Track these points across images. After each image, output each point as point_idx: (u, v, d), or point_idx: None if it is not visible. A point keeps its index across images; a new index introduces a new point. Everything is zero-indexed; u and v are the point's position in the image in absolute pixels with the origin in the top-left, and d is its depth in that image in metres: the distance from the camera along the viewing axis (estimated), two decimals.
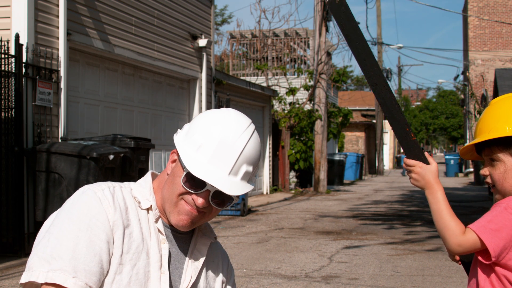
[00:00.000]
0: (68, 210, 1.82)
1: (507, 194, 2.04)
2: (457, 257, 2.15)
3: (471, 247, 1.96)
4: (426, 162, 2.06)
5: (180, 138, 1.89)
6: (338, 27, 2.02)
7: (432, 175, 2.03)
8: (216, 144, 1.81)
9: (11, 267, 7.57)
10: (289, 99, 24.01)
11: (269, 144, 20.45)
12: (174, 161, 1.92)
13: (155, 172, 2.05)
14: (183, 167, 1.84)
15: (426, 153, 2.08)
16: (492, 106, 2.10)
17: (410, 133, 2.04)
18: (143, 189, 1.94)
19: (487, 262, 1.95)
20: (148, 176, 2.00)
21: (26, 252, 8.09)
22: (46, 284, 1.72)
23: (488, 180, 2.09)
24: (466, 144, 2.16)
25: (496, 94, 21.36)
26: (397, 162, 53.76)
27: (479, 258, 1.99)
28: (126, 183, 1.97)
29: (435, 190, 2.03)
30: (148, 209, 1.91)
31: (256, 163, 1.89)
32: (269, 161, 20.39)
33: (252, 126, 1.88)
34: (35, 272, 1.72)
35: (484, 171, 2.09)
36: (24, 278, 1.74)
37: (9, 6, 8.56)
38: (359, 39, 2.00)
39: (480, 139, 2.05)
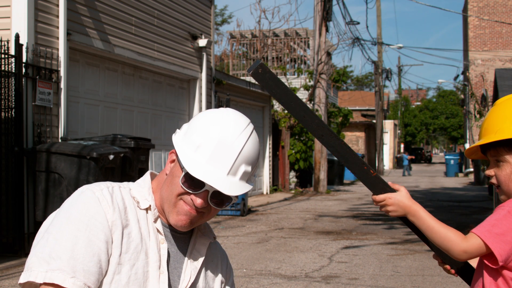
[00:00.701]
0: (66, 210, 1.82)
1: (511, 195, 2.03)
2: (448, 267, 2.14)
3: (476, 252, 1.95)
4: (393, 191, 2.05)
5: (179, 138, 1.89)
6: (268, 92, 2.05)
7: (406, 199, 2.02)
8: (215, 144, 1.81)
9: (11, 267, 7.57)
10: None
11: (269, 144, 20.45)
12: (172, 161, 1.92)
13: (154, 172, 2.05)
14: (182, 168, 1.83)
15: (389, 183, 2.07)
16: (498, 107, 2.09)
17: (369, 170, 2.05)
18: (142, 189, 1.94)
19: (494, 267, 1.94)
20: (147, 176, 2.00)
21: (26, 252, 8.09)
22: (45, 284, 1.72)
23: (494, 180, 2.08)
24: (472, 145, 2.15)
25: (496, 94, 21.36)
26: (397, 162, 53.76)
27: (486, 262, 1.97)
28: (125, 183, 1.97)
29: (416, 210, 2.01)
30: (147, 209, 1.91)
31: (255, 163, 1.89)
32: (269, 161, 20.39)
33: (251, 126, 1.88)
34: (34, 272, 1.72)
35: (490, 171, 2.08)
36: (23, 278, 1.74)
37: (9, 6, 8.56)
38: (291, 99, 2.02)
39: (486, 140, 2.04)
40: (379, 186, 2.06)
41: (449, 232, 1.96)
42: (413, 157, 51.74)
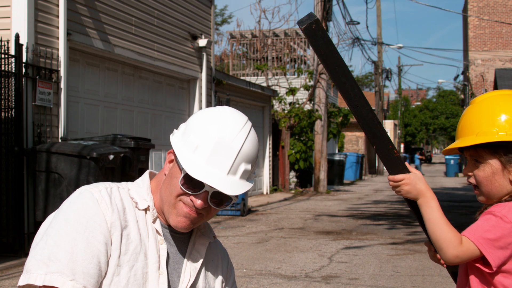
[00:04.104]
0: (65, 212, 1.81)
1: (493, 196, 2.01)
2: (439, 256, 2.13)
3: (467, 258, 1.94)
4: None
5: (177, 139, 1.87)
6: (314, 52, 2.01)
7: (423, 182, 2.01)
8: (213, 144, 1.79)
9: (11, 267, 7.57)
10: (289, 99, 24.01)
11: (269, 144, 20.44)
12: (171, 161, 1.91)
13: (153, 171, 2.03)
14: (181, 169, 1.82)
15: (407, 165, 2.06)
16: (476, 106, 2.05)
17: (393, 150, 2.03)
18: (140, 189, 1.93)
19: (488, 271, 1.94)
20: (146, 175, 1.99)
21: (26, 252, 8.08)
22: (44, 286, 1.71)
23: (472, 180, 2.06)
24: (450, 145, 2.12)
25: None
26: None
27: (478, 265, 1.95)
28: (124, 183, 1.96)
29: (429, 198, 1.99)
30: (145, 210, 1.90)
31: (254, 161, 1.88)
32: (269, 161, 20.39)
33: (249, 124, 1.87)
34: (33, 274, 1.72)
35: (468, 171, 2.06)
36: (22, 281, 1.73)
37: (9, 6, 8.56)
38: (337, 63, 1.98)
39: (468, 142, 2.01)
40: (398, 167, 2.04)
41: (450, 233, 1.94)
42: (423, 157, 51.73)
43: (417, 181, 2.01)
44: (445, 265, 2.11)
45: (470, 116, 2.05)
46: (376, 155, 39.18)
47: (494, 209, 1.98)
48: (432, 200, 1.99)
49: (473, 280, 1.98)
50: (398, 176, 2.03)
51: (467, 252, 1.93)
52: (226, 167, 1.80)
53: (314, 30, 1.94)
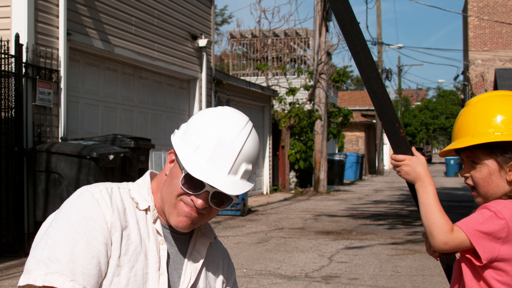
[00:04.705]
0: (65, 212, 1.81)
1: (490, 197, 2.02)
2: (436, 254, 2.13)
3: (457, 246, 1.94)
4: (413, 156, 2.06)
5: (178, 139, 1.87)
6: (335, 17, 2.00)
7: (423, 167, 2.02)
8: (214, 144, 1.79)
9: (11, 267, 7.57)
10: (289, 99, 24.01)
11: (269, 144, 20.44)
12: (172, 161, 1.91)
13: (154, 171, 2.03)
14: (182, 168, 1.82)
15: (413, 148, 2.06)
16: (471, 107, 2.06)
17: (399, 129, 2.03)
18: (141, 189, 1.93)
19: (478, 264, 1.94)
20: (146, 176, 1.98)
21: (26, 252, 8.09)
22: (44, 287, 1.71)
23: (469, 181, 2.07)
24: (447, 147, 2.13)
25: None
26: None
27: (469, 257, 1.96)
28: (124, 183, 1.96)
29: (427, 183, 2.01)
30: (146, 210, 1.90)
31: (255, 161, 1.88)
32: (269, 161, 20.39)
33: (250, 124, 1.86)
34: (33, 275, 1.71)
35: (465, 173, 2.07)
36: (22, 281, 1.73)
37: (9, 6, 8.55)
38: (355, 31, 1.98)
39: (464, 143, 2.01)
40: (402, 147, 2.05)
41: (442, 219, 1.95)
42: (427, 158, 51.75)
43: (418, 165, 2.03)
44: (438, 258, 2.12)
45: (465, 118, 2.06)
46: (376, 155, 39.18)
47: (490, 204, 1.99)
48: (429, 186, 2.01)
49: (467, 274, 1.99)
50: (400, 156, 2.05)
51: (456, 241, 1.93)
52: (227, 167, 1.79)
53: None
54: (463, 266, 2.00)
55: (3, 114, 8.19)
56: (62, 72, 9.18)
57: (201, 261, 1.97)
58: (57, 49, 9.15)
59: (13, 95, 8.22)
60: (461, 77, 44.46)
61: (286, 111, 22.05)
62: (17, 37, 8.21)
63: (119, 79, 11.53)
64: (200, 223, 1.92)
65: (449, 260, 2.12)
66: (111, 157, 8.01)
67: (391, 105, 2.02)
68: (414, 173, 2.02)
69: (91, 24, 10.10)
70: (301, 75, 24.62)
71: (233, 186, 1.80)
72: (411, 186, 2.07)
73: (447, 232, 1.94)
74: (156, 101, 13.02)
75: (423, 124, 66.53)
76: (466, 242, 1.92)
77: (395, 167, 2.08)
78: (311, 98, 22.51)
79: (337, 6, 1.96)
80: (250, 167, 1.84)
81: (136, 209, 1.89)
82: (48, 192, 8.06)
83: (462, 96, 49.20)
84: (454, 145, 2.07)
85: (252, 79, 25.50)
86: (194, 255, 1.97)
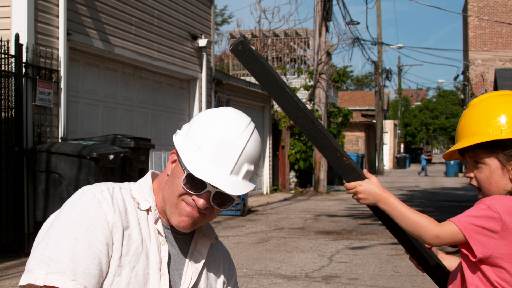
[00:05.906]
0: (67, 212, 1.81)
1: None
2: (416, 262, 2.12)
3: (449, 238, 1.94)
4: (365, 179, 2.04)
5: (180, 139, 1.87)
6: (247, 70, 2.01)
7: (377, 186, 2.00)
8: (216, 144, 1.79)
9: (11, 267, 7.57)
10: None
11: (269, 144, 20.45)
12: (174, 161, 1.90)
13: (156, 172, 2.03)
14: (183, 168, 1.82)
15: (365, 171, 2.05)
16: (472, 108, 2.08)
17: (342, 158, 2.02)
18: (142, 189, 1.93)
19: (472, 258, 1.95)
20: (148, 176, 1.98)
21: (26, 252, 8.09)
22: (45, 287, 1.71)
23: (474, 182, 2.08)
24: (449, 149, 2.14)
25: None
26: (397, 162, 53.76)
27: (464, 251, 1.96)
28: (126, 183, 1.96)
29: (386, 198, 1.99)
30: (147, 210, 1.90)
31: (257, 162, 1.88)
32: (269, 161, 20.39)
33: (252, 125, 1.87)
34: (34, 274, 1.71)
35: (469, 173, 2.08)
36: (23, 281, 1.73)
37: (9, 6, 8.56)
38: (270, 79, 1.99)
39: (464, 144, 2.03)
40: (351, 174, 2.03)
41: (421, 218, 1.95)
42: (430, 157, 51.78)
43: (370, 187, 2.01)
44: (423, 272, 2.12)
45: (467, 119, 2.08)
46: (376, 155, 39.18)
47: (485, 198, 2.00)
48: (391, 198, 2.00)
49: (466, 270, 1.99)
50: (351, 184, 2.04)
51: (447, 232, 1.93)
52: (229, 167, 1.79)
53: (241, 51, 1.97)
54: (463, 262, 2.01)
55: (3, 114, 8.19)
56: (62, 72, 9.18)
57: (202, 261, 1.97)
58: (57, 49, 9.16)
59: (13, 95, 8.22)
60: (461, 77, 44.47)
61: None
62: (17, 37, 8.21)
63: (119, 79, 11.53)
64: (202, 223, 1.92)
65: (427, 262, 2.13)
66: (111, 157, 8.01)
67: (328, 136, 2.02)
68: (371, 196, 2.01)
69: (91, 24, 10.10)
70: (301, 75, 24.62)
71: (235, 186, 1.80)
72: (375, 209, 2.05)
73: (434, 226, 1.94)
74: (156, 101, 13.02)
75: (423, 124, 66.53)
76: (459, 235, 1.93)
77: (353, 195, 2.06)
78: (311, 98, 22.51)
79: (246, 60, 1.98)
80: (252, 167, 1.84)
81: (138, 209, 1.88)
82: (48, 192, 8.06)
83: (462, 96, 49.20)
84: (456, 146, 2.09)
85: (252, 79, 25.51)
86: (195, 255, 1.97)
